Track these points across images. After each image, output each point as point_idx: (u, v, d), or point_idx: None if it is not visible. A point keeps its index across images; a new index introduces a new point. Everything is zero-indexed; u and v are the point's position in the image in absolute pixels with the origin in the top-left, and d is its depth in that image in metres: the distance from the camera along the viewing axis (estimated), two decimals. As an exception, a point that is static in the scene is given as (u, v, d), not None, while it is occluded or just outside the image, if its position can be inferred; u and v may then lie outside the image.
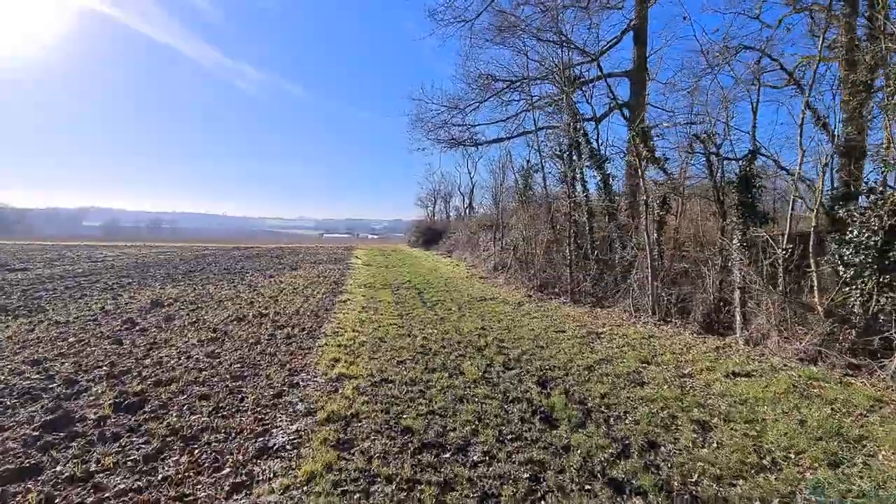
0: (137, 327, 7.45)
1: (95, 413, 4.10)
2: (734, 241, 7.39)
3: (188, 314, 8.60)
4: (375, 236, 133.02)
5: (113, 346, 6.29)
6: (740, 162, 7.81)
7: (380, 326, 8.43)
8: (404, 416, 4.38)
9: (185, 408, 4.27)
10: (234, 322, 8.00)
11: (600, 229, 11.76)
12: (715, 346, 6.94)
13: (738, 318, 7.13)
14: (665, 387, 5.41)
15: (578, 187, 11.60)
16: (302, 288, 12.90)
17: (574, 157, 11.57)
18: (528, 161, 14.98)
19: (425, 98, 17.46)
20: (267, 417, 4.14)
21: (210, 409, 4.26)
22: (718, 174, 8.06)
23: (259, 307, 9.54)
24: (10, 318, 8.39)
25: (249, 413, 4.21)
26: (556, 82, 12.01)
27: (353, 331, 7.83)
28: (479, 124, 18.09)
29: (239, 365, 5.59)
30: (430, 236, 36.08)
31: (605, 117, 14.67)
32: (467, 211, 38.52)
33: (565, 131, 11.56)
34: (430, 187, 49.47)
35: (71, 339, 6.65)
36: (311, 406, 4.41)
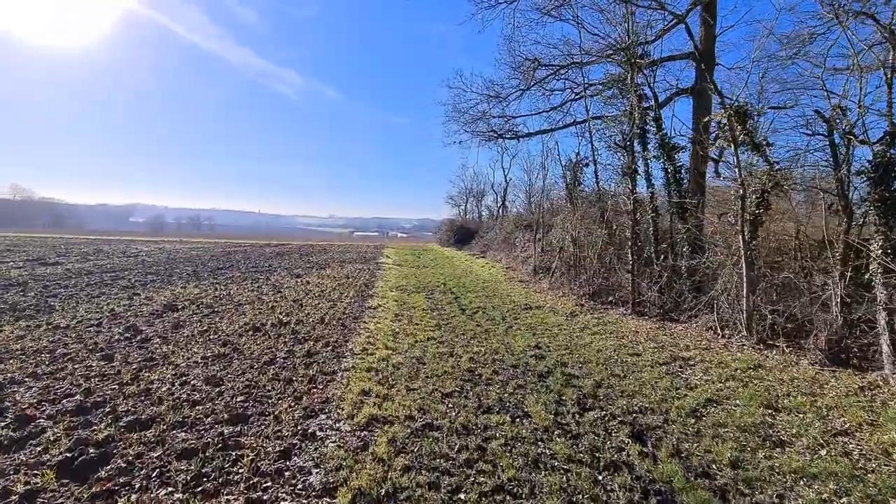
0: (139, 337, 6.34)
1: (28, 479, 2.88)
2: (874, 247, 5.67)
3: (200, 321, 7.48)
4: (404, 235, 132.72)
5: (100, 364, 5.16)
6: (876, 146, 6.05)
7: (416, 341, 7.08)
8: (462, 499, 2.99)
9: (155, 473, 3.01)
10: (250, 333, 6.81)
11: (668, 231, 10.06)
12: (857, 384, 5.24)
13: (885, 347, 5.41)
14: (822, 452, 3.82)
15: (642, 182, 9.95)
16: (329, 291, 11.72)
17: (638, 148, 9.93)
18: (577, 154, 13.41)
19: (463, 86, 16.04)
20: (265, 499, 2.81)
21: (189, 477, 2.97)
22: (843, 162, 6.31)
23: (280, 313, 8.36)
24: (12, 319, 7.49)
25: (241, 487, 2.91)
26: (618, 61, 10.38)
27: (386, 347, 6.49)
28: (520, 115, 16.53)
29: (243, 397, 4.33)
30: (462, 235, 34.68)
31: (667, 103, 12.87)
32: (500, 210, 36.92)
33: (628, 117, 9.93)
34: (462, 185, 48.10)
35: (59, 352, 5.58)
36: (330, 479, 3.06)
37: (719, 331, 7.61)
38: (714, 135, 8.15)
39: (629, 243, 9.95)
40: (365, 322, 8.04)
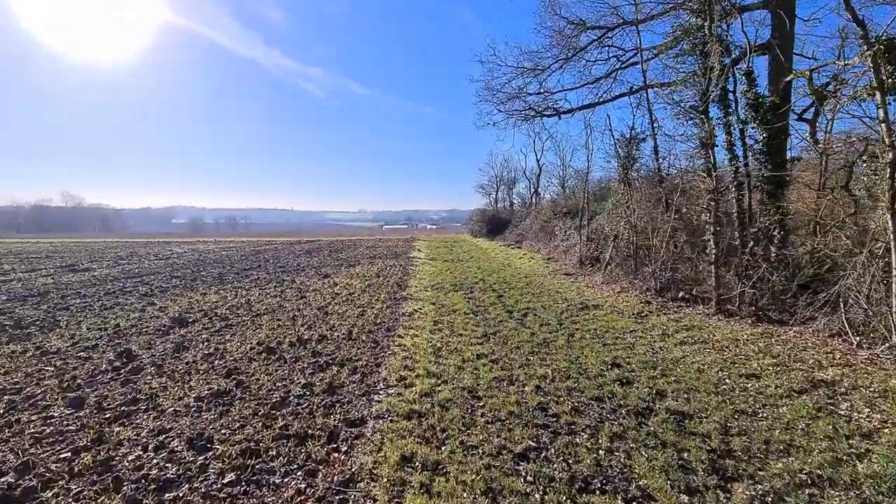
0: (130, 366, 5.15)
1: None
2: None
3: (208, 339, 6.27)
4: (433, 227, 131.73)
5: (64, 414, 3.95)
6: None
7: (464, 361, 5.64)
8: None
9: None
10: (262, 356, 5.52)
11: (757, 212, 8.22)
12: None
13: None
14: None
15: (720, 155, 8.13)
16: (358, 293, 10.43)
17: (717, 113, 8.10)
18: (631, 128, 11.57)
19: (496, 60, 14.32)
20: None
21: None
22: None
23: (301, 326, 7.09)
24: (4, 340, 6.51)
25: None
26: (691, 9, 8.51)
27: (428, 374, 5.08)
28: (560, 90, 14.70)
29: (234, 475, 2.99)
30: (494, 225, 33.01)
31: (739, 62, 10.88)
32: (533, 198, 34.98)
33: (705, 76, 8.09)
34: (492, 173, 46.25)
35: (23, 394, 4.42)
36: None
37: (852, 338, 5.83)
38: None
39: (710, 228, 8.17)
40: (400, 335, 6.65)
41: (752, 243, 8.09)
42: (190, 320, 7.42)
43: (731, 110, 7.96)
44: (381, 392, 4.49)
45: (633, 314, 8.59)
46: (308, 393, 4.37)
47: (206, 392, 4.33)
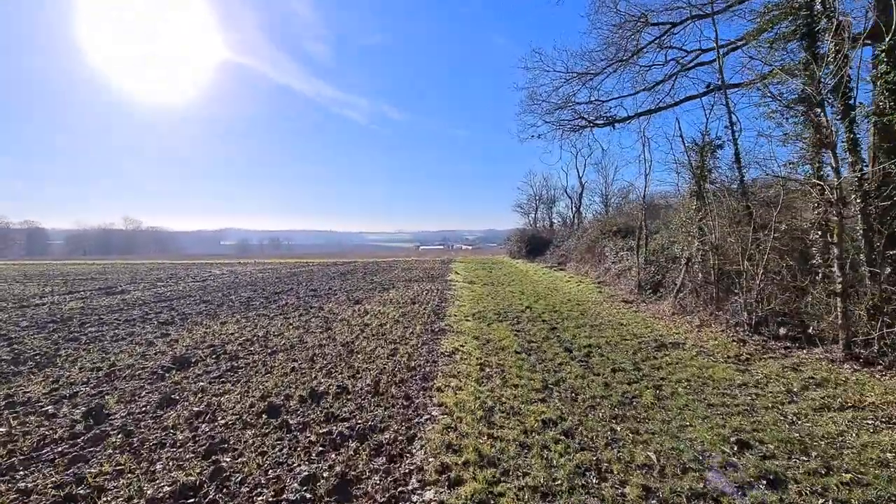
0: (92, 433, 3.92)
1: None
2: None
3: (203, 390, 5.01)
4: (469, 247, 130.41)
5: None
6: None
7: (527, 433, 4.08)
8: None
9: None
10: (262, 419, 4.19)
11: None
12: None
13: None
14: None
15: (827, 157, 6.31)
16: (391, 323, 9.07)
17: (832, 107, 6.34)
18: (704, 133, 9.82)
19: (542, 66, 12.97)
20: None
21: None
22: None
23: (320, 370, 5.75)
24: None
25: None
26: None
27: (480, 459, 3.56)
28: (614, 98, 13.13)
29: None
30: (534, 246, 31.22)
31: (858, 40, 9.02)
32: (575, 217, 33.00)
33: (817, 63, 6.37)
34: (530, 192, 44.47)
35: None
36: None
37: None
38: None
39: (833, 250, 6.32)
40: (439, 388, 5.17)
41: (889, 269, 6.17)
42: (193, 360, 6.24)
43: (851, 102, 6.19)
44: (416, 495, 3.01)
45: (729, 357, 6.77)
46: (309, 495, 2.95)
47: (167, 489, 3.00)
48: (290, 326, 8.73)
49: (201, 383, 5.22)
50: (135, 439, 3.76)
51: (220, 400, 4.64)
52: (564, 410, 4.72)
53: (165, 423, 4.05)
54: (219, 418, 4.18)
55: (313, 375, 5.49)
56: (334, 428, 3.94)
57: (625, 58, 11.84)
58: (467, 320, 9.93)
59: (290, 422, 4.05)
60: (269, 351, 6.77)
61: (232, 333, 8.18)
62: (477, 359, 6.61)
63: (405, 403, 4.57)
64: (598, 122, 13.43)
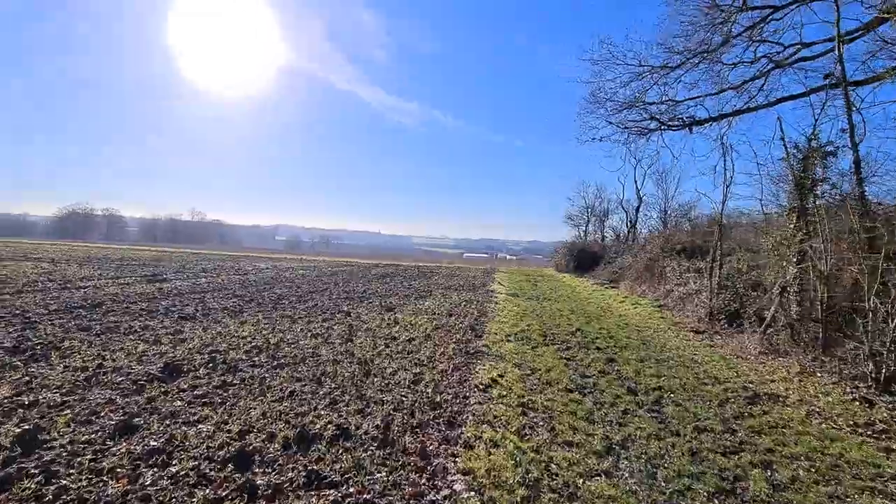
0: (3, 473, 3.00)
1: None
2: None
3: (175, 414, 4.02)
4: (514, 258, 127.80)
5: None
6: None
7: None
8: None
9: None
10: (227, 467, 3.11)
11: None
12: None
13: None
14: None
15: None
16: (421, 339, 7.88)
17: None
18: (810, 138, 7.94)
19: (611, 58, 11.39)
20: None
21: None
22: None
23: (323, 398, 4.63)
24: None
25: None
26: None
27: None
28: (693, 98, 11.35)
29: None
30: (583, 260, 29.16)
31: None
32: (630, 232, 30.58)
33: None
34: (582, 203, 42.14)
35: None
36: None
37: None
38: None
39: None
40: (468, 439, 3.89)
41: None
42: (185, 369, 5.32)
43: None
44: None
45: (857, 426, 5.04)
46: None
47: None
48: (309, 334, 7.75)
49: (178, 403, 4.24)
50: (47, 495, 2.75)
51: (188, 432, 3.61)
52: (641, 496, 3.32)
53: (101, 466, 3.04)
54: (173, 462, 3.13)
55: (313, 405, 4.37)
56: (313, 502, 2.76)
57: (710, 49, 10.11)
58: (508, 341, 8.59)
59: (258, 482, 2.92)
60: (275, 364, 5.76)
61: (245, 336, 7.29)
62: (518, 396, 5.27)
63: (419, 465, 3.33)
64: (672, 124, 11.68)
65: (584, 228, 41.18)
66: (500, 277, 25.62)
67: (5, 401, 4.12)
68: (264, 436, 3.59)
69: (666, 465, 3.91)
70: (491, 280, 23.08)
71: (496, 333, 9.00)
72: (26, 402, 4.09)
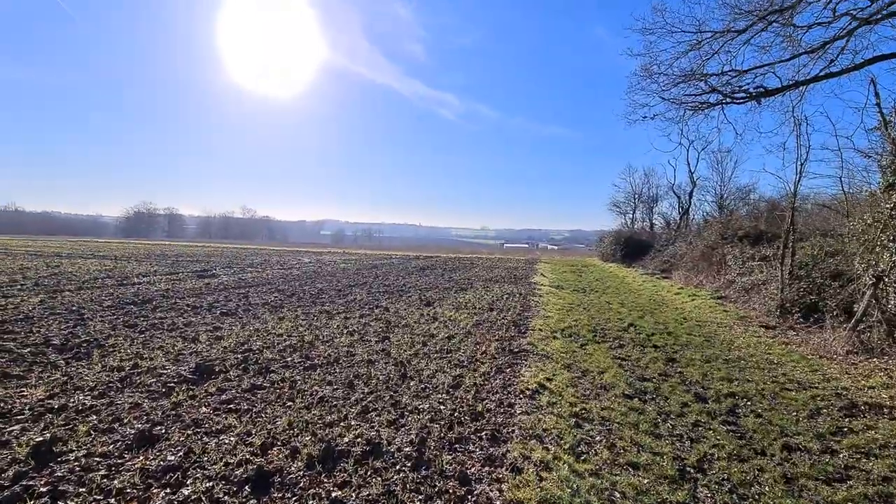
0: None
1: None
2: None
3: (198, 423, 3.76)
4: (555, 247, 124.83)
5: None
6: None
7: None
8: None
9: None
10: (243, 490, 2.77)
11: None
12: None
13: None
14: None
15: None
16: (461, 336, 7.40)
17: None
18: (914, 103, 6.70)
19: (666, 26, 10.24)
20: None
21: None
22: None
23: (355, 405, 4.24)
24: (18, 369, 4.91)
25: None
26: None
27: None
28: (761, 66, 10.04)
29: None
30: (631, 249, 27.62)
31: None
32: (683, 218, 28.62)
33: None
34: (628, 190, 40.01)
35: None
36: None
37: None
38: None
39: None
40: (514, 460, 3.36)
41: None
42: (216, 370, 5.11)
43: None
44: None
45: None
46: None
47: None
48: (345, 331, 7.45)
49: (203, 409, 3.98)
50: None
51: (208, 445, 3.30)
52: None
53: (112, 485, 2.77)
54: (187, 482, 2.82)
55: (343, 413, 3.98)
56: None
57: (782, 8, 8.84)
58: (555, 337, 7.95)
59: (275, 512, 2.54)
60: (307, 364, 5.46)
61: (280, 334, 7.09)
62: (570, 404, 4.67)
63: (459, 493, 2.84)
64: (736, 96, 10.39)
65: (630, 216, 39.16)
66: (543, 268, 24.70)
67: (37, 405, 4.01)
68: (287, 451, 3.23)
69: (756, 495, 3.23)
70: (533, 271, 22.26)
71: (541, 330, 8.38)
72: (55, 407, 3.96)
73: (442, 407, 4.26)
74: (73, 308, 9.06)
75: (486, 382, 5.10)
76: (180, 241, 65.20)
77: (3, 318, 7.88)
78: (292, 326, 7.75)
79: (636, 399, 5.11)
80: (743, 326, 9.62)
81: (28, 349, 5.94)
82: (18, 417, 3.74)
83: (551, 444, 3.69)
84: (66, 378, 4.78)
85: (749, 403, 5.19)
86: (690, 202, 28.29)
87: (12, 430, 3.48)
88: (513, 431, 3.84)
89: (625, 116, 12.04)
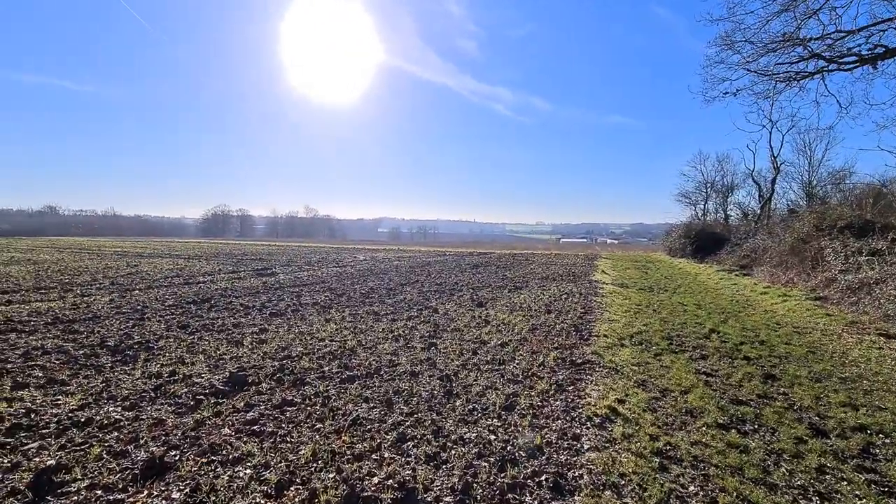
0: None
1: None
2: None
3: (215, 449, 3.34)
4: (615, 241, 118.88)
5: None
6: None
7: None
8: None
9: None
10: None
11: None
12: None
13: None
14: None
15: None
16: (515, 343, 6.63)
17: None
18: None
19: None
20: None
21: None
22: None
23: (391, 431, 3.65)
24: (70, 372, 4.86)
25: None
26: None
27: None
28: (876, 23, 8.26)
29: None
30: (703, 242, 25.13)
31: None
32: (764, 208, 25.59)
33: None
34: (699, 178, 36.66)
35: None
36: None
37: None
38: None
39: None
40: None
41: None
42: (249, 380, 4.74)
43: None
44: None
45: None
46: None
47: None
48: (390, 336, 6.94)
49: (225, 430, 3.56)
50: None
51: (218, 481, 2.83)
52: None
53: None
54: (185, 534, 2.35)
55: (375, 442, 3.40)
56: None
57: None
58: (623, 345, 6.96)
59: None
60: (345, 376, 4.96)
61: (323, 339, 6.71)
62: (650, 437, 3.79)
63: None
64: (844, 61, 8.64)
65: (701, 206, 35.91)
66: (604, 264, 23.10)
67: (66, 417, 3.80)
68: (305, 495, 2.68)
69: None
70: (593, 267, 20.81)
71: (607, 336, 7.40)
72: (82, 420, 3.72)
73: (492, 437, 3.55)
74: (138, 307, 9.32)
75: (545, 404, 4.32)
76: (248, 241, 69.10)
77: (73, 318, 8.20)
78: (336, 330, 7.37)
79: (734, 430, 4.11)
80: (855, 335, 8.02)
81: (83, 350, 5.97)
82: (43, 431, 3.52)
83: (632, 497, 2.87)
84: (103, 385, 4.61)
85: (889, 442, 4.02)
86: (773, 190, 25.17)
87: (29, 449, 3.23)
88: (581, 477, 3.05)
89: (701, 94, 10.62)
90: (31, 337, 6.69)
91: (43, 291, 11.13)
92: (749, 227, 23.97)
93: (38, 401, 4.15)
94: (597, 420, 4.02)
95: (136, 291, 11.60)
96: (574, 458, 3.30)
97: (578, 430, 3.77)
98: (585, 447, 3.50)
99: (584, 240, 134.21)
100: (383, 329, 7.43)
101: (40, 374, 4.93)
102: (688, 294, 12.97)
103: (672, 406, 4.60)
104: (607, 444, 3.58)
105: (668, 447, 3.66)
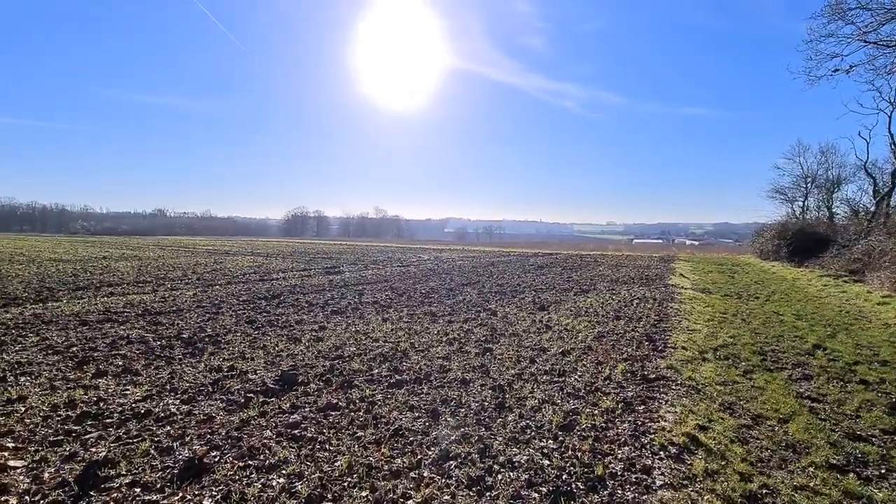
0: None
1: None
2: None
3: (253, 453, 3.23)
4: (695, 242, 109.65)
5: None
6: None
7: None
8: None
9: None
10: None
11: None
12: None
13: None
14: None
15: None
16: (578, 352, 6.05)
17: None
18: None
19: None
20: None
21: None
22: None
23: (432, 446, 3.35)
24: (138, 366, 5.19)
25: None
26: None
27: None
28: None
29: None
30: (802, 244, 22.09)
31: None
32: (880, 205, 21.97)
33: None
34: (797, 172, 32.43)
35: None
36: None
37: None
38: None
39: None
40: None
41: None
42: (299, 380, 4.69)
43: None
44: None
45: None
46: None
47: None
48: (445, 338, 6.67)
49: (267, 433, 3.47)
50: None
51: (252, 488, 2.71)
52: None
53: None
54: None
55: (416, 458, 3.11)
56: None
57: None
58: (705, 359, 6.10)
59: None
60: (394, 380, 4.75)
61: (376, 340, 6.60)
62: (741, 477, 3.13)
63: None
64: None
65: (800, 203, 31.78)
66: (682, 267, 21.16)
67: (129, 407, 3.96)
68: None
69: None
70: (670, 270, 19.12)
71: (685, 348, 6.54)
72: (142, 412, 3.84)
73: (546, 462, 3.12)
74: (216, 301, 9.93)
75: (610, 425, 3.78)
76: (322, 240, 72.91)
77: (160, 310, 8.89)
78: (392, 330, 7.25)
79: (852, 474, 3.31)
80: None
81: (160, 342, 6.37)
82: (107, 421, 3.67)
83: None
84: (169, 377, 4.81)
85: None
86: (894, 183, 21.44)
87: (89, 438, 3.36)
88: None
89: (805, 73, 9.27)
90: (121, 327, 7.30)
91: (140, 285, 12.32)
92: (861, 225, 20.65)
93: (110, 390, 4.39)
94: (672, 450, 3.42)
95: (217, 286, 12.45)
96: (643, 497, 2.78)
97: (649, 461, 3.21)
98: (658, 483, 2.95)
99: (660, 240, 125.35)
100: (438, 331, 7.18)
101: (119, 363, 5.28)
102: (784, 302, 11.34)
103: (768, 437, 3.84)
104: (685, 482, 3.00)
105: (764, 491, 2.99)
